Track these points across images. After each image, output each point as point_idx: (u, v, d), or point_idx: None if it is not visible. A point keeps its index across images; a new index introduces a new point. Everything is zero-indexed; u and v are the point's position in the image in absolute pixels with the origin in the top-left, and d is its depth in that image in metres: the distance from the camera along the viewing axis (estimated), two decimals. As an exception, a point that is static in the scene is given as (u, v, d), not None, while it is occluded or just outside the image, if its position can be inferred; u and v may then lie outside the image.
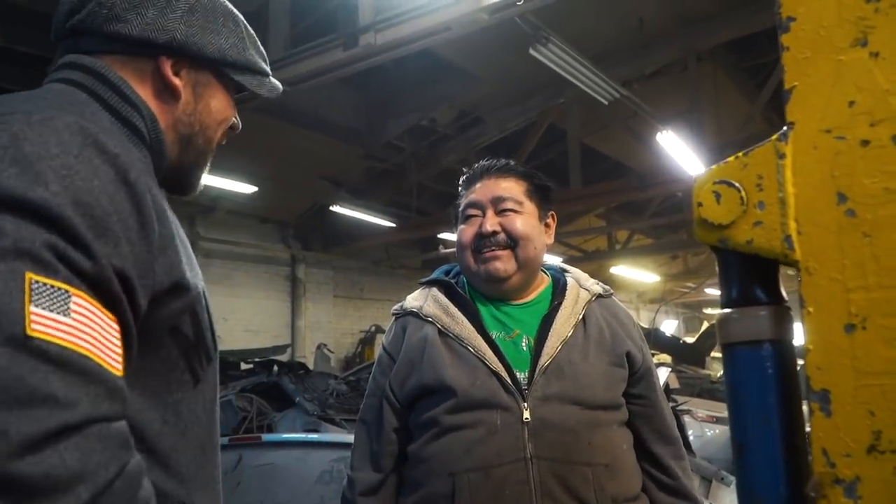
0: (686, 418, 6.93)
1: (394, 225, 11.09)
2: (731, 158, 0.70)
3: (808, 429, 0.67)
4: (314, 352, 11.94)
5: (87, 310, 0.71)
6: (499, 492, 1.42)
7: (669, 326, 21.04)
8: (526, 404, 1.47)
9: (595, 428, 1.50)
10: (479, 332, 1.55)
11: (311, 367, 8.58)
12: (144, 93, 0.98)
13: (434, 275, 1.75)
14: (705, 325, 12.27)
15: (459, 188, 1.73)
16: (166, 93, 1.00)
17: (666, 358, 11.41)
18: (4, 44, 5.87)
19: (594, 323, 1.60)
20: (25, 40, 5.92)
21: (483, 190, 1.64)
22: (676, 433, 1.69)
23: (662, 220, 13.42)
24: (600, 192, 9.82)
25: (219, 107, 1.06)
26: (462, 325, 1.56)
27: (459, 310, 1.59)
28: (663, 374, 6.96)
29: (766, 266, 0.71)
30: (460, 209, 1.68)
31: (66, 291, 0.69)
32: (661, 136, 7.19)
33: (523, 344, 1.56)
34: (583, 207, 11.44)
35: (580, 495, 1.43)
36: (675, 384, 9.23)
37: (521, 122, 9.52)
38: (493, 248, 1.58)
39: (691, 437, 6.24)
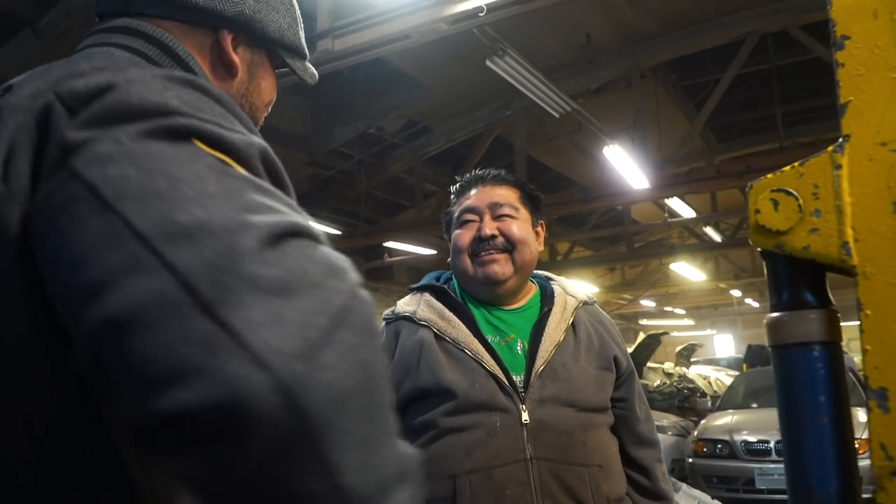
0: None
1: (339, 232, 11.00)
2: (787, 168, 0.74)
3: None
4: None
5: None
6: (500, 492, 1.44)
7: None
8: (524, 406, 1.49)
9: (588, 430, 1.54)
10: (475, 336, 1.57)
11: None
12: (204, 67, 0.90)
13: (424, 280, 1.76)
14: (641, 336, 12.53)
15: (451, 196, 1.75)
16: (223, 69, 0.93)
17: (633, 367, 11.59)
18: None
19: (583, 328, 1.65)
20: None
21: (480, 196, 1.67)
22: (656, 437, 1.74)
23: (603, 232, 13.70)
24: (545, 204, 9.92)
25: (267, 88, 1.01)
26: (458, 329, 1.58)
27: (454, 314, 1.61)
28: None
29: (815, 272, 0.75)
30: (455, 215, 1.70)
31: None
32: (607, 150, 7.36)
33: (518, 348, 1.59)
34: (542, 212, 11.56)
35: (578, 495, 1.46)
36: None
37: (468, 133, 9.60)
38: (491, 251, 1.60)
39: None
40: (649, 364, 13.22)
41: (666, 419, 9.23)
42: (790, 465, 0.74)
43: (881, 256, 0.68)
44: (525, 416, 1.49)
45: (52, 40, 5.47)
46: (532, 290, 1.74)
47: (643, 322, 24.64)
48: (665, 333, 13.43)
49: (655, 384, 12.69)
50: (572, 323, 1.64)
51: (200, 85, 0.68)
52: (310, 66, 1.09)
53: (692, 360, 16.74)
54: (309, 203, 10.72)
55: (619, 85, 9.05)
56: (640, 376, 12.38)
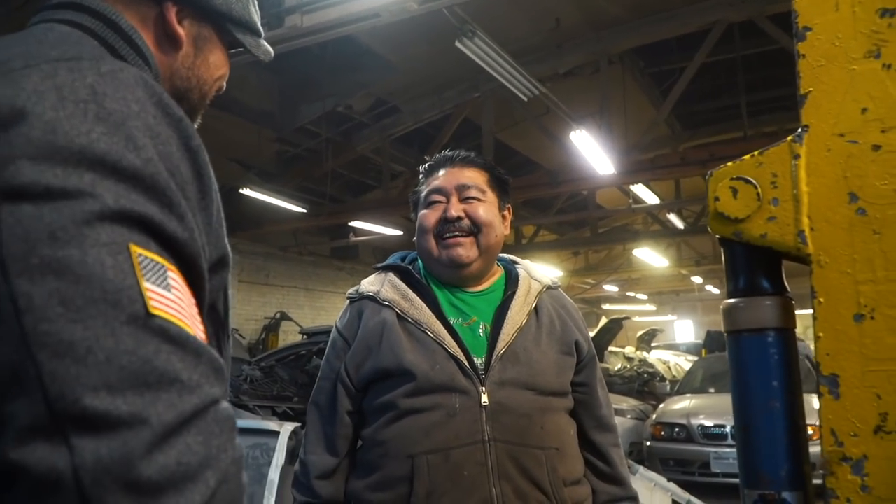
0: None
1: (304, 211, 10.91)
2: (747, 157, 0.75)
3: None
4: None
5: (179, 284, 0.67)
6: (457, 473, 1.45)
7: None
8: (483, 388, 1.50)
9: (546, 413, 1.55)
10: (437, 318, 1.57)
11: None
12: (147, 40, 0.90)
13: (390, 260, 1.75)
14: (603, 320, 12.67)
15: (420, 175, 1.74)
16: (166, 42, 0.93)
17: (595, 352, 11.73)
18: None
19: (546, 313, 1.65)
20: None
21: (447, 177, 1.66)
22: (614, 422, 1.76)
23: (568, 216, 13.79)
24: (511, 188, 9.97)
25: (217, 62, 1.00)
26: (421, 311, 1.57)
27: (417, 295, 1.61)
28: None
29: (771, 259, 0.76)
30: (422, 195, 1.70)
31: (163, 265, 0.65)
32: (574, 135, 7.39)
33: (480, 330, 1.59)
34: (509, 196, 11.61)
35: (534, 476, 1.48)
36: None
37: (436, 114, 9.58)
38: (456, 233, 1.60)
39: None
40: (610, 348, 13.40)
41: (625, 402, 9.36)
42: (742, 448, 0.75)
43: (835, 245, 0.69)
44: (484, 399, 1.49)
45: (16, 7, 5.33)
46: (497, 273, 1.74)
47: (606, 307, 24.93)
48: (627, 318, 13.61)
49: (616, 368, 12.87)
50: (535, 307, 1.65)
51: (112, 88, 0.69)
52: (264, 42, 1.08)
53: (653, 344, 17.01)
54: (274, 180, 10.62)
55: (587, 70, 9.08)
56: (602, 360, 12.57)
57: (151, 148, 0.67)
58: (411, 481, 1.46)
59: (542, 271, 1.78)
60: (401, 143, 10.76)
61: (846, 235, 0.69)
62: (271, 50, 1.09)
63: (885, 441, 0.65)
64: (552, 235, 16.14)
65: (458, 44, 5.30)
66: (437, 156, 1.74)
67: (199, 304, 0.72)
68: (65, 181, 0.61)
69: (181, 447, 0.59)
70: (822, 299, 0.69)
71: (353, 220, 11.03)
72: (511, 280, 1.70)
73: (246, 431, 3.79)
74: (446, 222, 1.61)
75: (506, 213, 1.74)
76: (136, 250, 0.62)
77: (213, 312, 0.83)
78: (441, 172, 1.69)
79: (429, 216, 1.64)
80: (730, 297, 0.77)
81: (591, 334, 13.86)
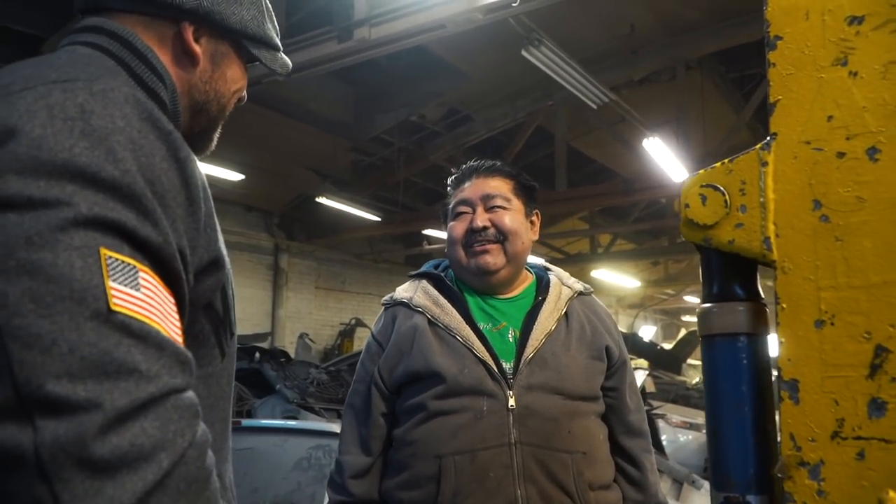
0: (660, 423, 7.04)
1: (378, 219, 11.10)
2: (718, 164, 0.76)
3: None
4: (294, 341, 11.95)
5: (152, 284, 0.73)
6: (483, 474, 1.48)
7: (647, 332, 21.22)
8: (511, 392, 1.53)
9: (575, 417, 1.56)
10: (467, 323, 1.61)
11: (292, 355, 8.61)
12: (164, 58, 0.97)
13: (424, 268, 1.81)
14: (683, 331, 12.39)
15: (448, 188, 1.80)
16: (185, 58, 0.99)
17: (643, 363, 11.53)
18: (-1, 22, 5.84)
19: (576, 318, 1.67)
20: (19, 19, 5.89)
21: (472, 188, 1.71)
22: (646, 427, 1.76)
23: (645, 225, 13.55)
24: (585, 195, 9.91)
25: (234, 76, 1.07)
26: (451, 316, 1.62)
27: (448, 301, 1.65)
28: (640, 377, 7.05)
29: (745, 265, 0.77)
30: (450, 207, 1.75)
31: (134, 267, 0.71)
32: (648, 143, 7.28)
33: (510, 336, 1.62)
34: (567, 210, 11.54)
35: (559, 480, 1.49)
36: (651, 388, 9.35)
37: (509, 123, 9.58)
38: (484, 242, 1.64)
39: (665, 442, 6.34)
40: (689, 361, 13.07)
41: (701, 417, 9.12)
42: (712, 450, 0.76)
43: (799, 252, 0.70)
44: (511, 402, 1.52)
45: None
46: (528, 279, 1.77)
47: (686, 318, 24.32)
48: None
49: (694, 381, 12.54)
50: (565, 313, 1.67)
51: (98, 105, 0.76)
52: (281, 56, 1.14)
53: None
54: (349, 189, 10.86)
55: (664, 76, 8.92)
56: (680, 373, 12.27)
57: (131, 160, 0.74)
58: (438, 481, 1.50)
59: (573, 278, 1.80)
60: (474, 151, 10.80)
61: (810, 242, 0.69)
62: (289, 62, 1.16)
63: (841, 447, 0.66)
64: (629, 244, 15.86)
65: (524, 52, 5.32)
66: (463, 167, 1.79)
67: (179, 302, 0.79)
68: (46, 192, 0.68)
69: (136, 430, 0.66)
70: (784, 305, 0.70)
71: (426, 228, 11.15)
72: (542, 286, 1.73)
73: (309, 432, 3.91)
74: (473, 232, 1.65)
75: (534, 218, 1.77)
76: (107, 253, 0.69)
77: (211, 310, 0.90)
78: (467, 184, 1.73)
79: (456, 227, 1.69)
80: (704, 301, 0.79)
81: (670, 346, 13.56)
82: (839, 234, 0.68)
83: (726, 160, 0.75)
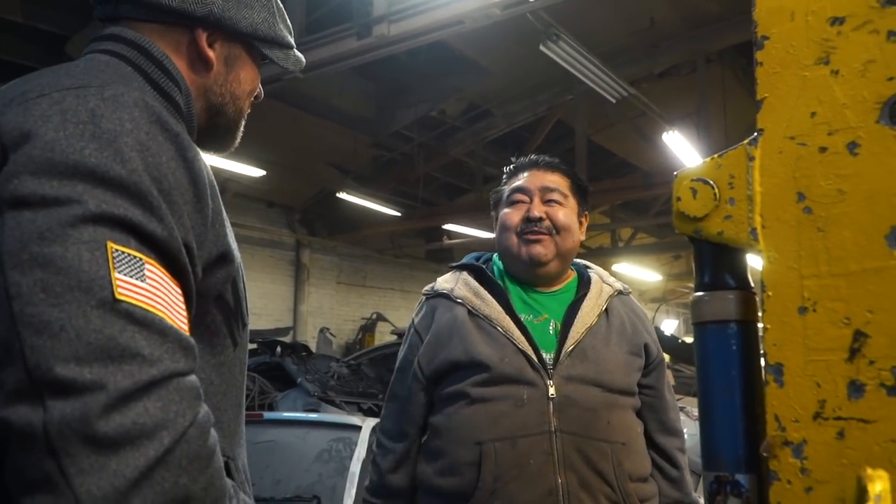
0: (681, 416, 7.04)
1: (399, 214, 11.17)
2: (708, 159, 0.79)
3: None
4: (316, 335, 12.06)
5: (158, 276, 0.79)
6: (523, 461, 1.51)
7: (669, 326, 21.13)
8: (551, 382, 1.56)
9: (613, 409, 1.60)
10: (507, 314, 1.64)
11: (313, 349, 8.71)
12: (180, 63, 1.02)
13: (465, 260, 1.84)
14: (705, 325, 12.27)
15: (503, 175, 1.84)
16: (199, 63, 1.05)
17: (664, 356, 11.50)
18: (24, 21, 5.96)
19: (616, 315, 1.71)
20: (45, 18, 6.01)
21: (532, 179, 1.75)
22: (680, 426, 1.79)
23: (666, 219, 13.46)
24: (606, 189, 9.89)
25: (247, 77, 1.12)
26: (491, 307, 1.65)
27: (489, 293, 1.69)
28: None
29: (735, 255, 0.80)
30: (505, 194, 1.78)
31: (140, 259, 0.77)
32: (668, 136, 7.27)
33: (550, 328, 1.66)
34: (588, 204, 11.51)
35: (599, 468, 1.52)
36: (671, 382, 9.34)
37: (529, 117, 9.59)
38: (537, 232, 1.67)
39: (686, 436, 6.34)
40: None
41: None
42: (703, 432, 0.80)
43: (784, 242, 0.73)
44: (552, 391, 1.55)
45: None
46: (570, 276, 1.80)
47: (709, 312, 24.08)
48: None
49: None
50: (606, 309, 1.70)
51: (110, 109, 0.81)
52: (294, 53, 1.19)
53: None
54: (370, 184, 10.93)
55: (684, 70, 8.88)
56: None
57: (138, 160, 0.80)
58: (479, 467, 1.52)
59: (612, 277, 1.83)
60: (494, 146, 10.84)
61: (794, 233, 0.72)
62: (302, 59, 1.21)
63: (822, 427, 0.69)
64: (651, 238, 15.80)
65: (542, 47, 5.34)
66: (523, 158, 1.82)
67: (186, 293, 0.85)
68: (58, 191, 0.74)
69: (139, 410, 0.72)
70: (770, 293, 0.73)
71: (447, 222, 11.19)
72: (583, 282, 1.76)
73: (330, 425, 3.98)
74: (528, 221, 1.68)
75: (583, 219, 1.80)
76: (114, 247, 0.75)
77: (222, 302, 0.96)
78: (525, 174, 1.76)
79: (511, 215, 1.72)
80: (696, 290, 0.82)
81: (691, 340, 13.55)
82: (821, 224, 0.71)
83: (716, 155, 0.79)
